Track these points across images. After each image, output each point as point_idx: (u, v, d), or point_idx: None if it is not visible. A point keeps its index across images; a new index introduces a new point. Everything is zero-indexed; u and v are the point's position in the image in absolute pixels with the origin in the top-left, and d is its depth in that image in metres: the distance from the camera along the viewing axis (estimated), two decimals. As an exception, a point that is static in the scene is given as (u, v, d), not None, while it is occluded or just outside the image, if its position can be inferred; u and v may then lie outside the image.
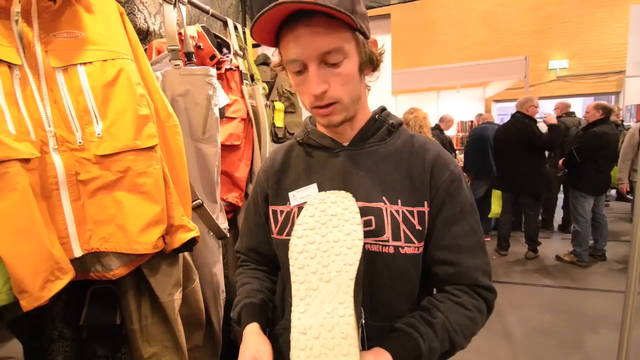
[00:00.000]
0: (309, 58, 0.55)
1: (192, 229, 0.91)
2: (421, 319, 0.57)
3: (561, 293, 2.90)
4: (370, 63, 0.61)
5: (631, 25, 1.38)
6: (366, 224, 0.60)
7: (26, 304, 0.64)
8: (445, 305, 0.59)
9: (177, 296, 0.96)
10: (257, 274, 0.77)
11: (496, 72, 5.28)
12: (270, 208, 0.70)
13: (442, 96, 6.55)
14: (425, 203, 0.61)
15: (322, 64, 0.56)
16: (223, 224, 1.26)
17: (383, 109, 0.69)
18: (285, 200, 0.68)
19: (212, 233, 1.22)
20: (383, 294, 0.60)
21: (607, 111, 3.29)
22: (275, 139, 1.73)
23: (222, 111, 1.26)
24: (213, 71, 1.12)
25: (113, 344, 1.08)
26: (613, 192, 6.14)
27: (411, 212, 0.60)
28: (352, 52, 0.57)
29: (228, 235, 1.27)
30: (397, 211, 0.60)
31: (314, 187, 0.65)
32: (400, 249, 0.59)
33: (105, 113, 0.77)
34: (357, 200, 0.61)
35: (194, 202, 1.08)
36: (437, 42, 7.39)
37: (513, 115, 3.50)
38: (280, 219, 0.68)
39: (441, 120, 4.30)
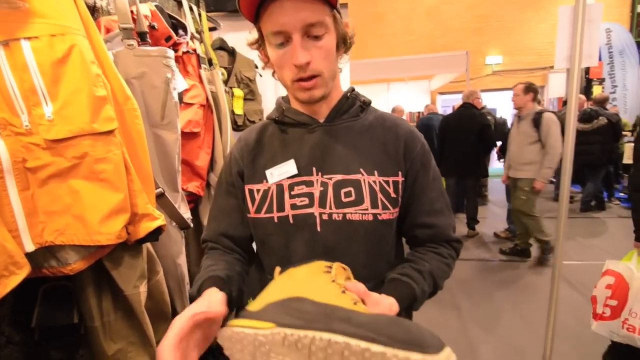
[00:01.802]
0: (294, 28, 0.56)
1: (158, 217, 0.88)
2: (412, 269, 0.64)
3: (499, 266, 3.23)
4: (343, 43, 0.64)
5: (559, 24, 1.56)
6: (346, 195, 0.63)
7: (-25, 304, 0.58)
8: (428, 256, 0.67)
9: (143, 289, 0.92)
10: (226, 257, 0.71)
11: (440, 66, 5.62)
12: (247, 187, 0.70)
13: (392, 88, 6.82)
14: (400, 173, 0.67)
15: (305, 36, 0.57)
16: (185, 213, 1.22)
17: (352, 89, 0.72)
18: (261, 179, 0.68)
19: (174, 223, 1.18)
20: (364, 258, 0.65)
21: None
22: (235, 127, 1.69)
23: (180, 96, 1.21)
24: (171, 53, 1.07)
25: (70, 345, 1.01)
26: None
27: (387, 182, 0.65)
28: (332, 28, 0.60)
29: (191, 225, 1.23)
30: (374, 181, 0.64)
31: (291, 163, 0.66)
32: (378, 215, 0.64)
33: (56, 94, 0.71)
34: (336, 173, 0.64)
35: (155, 191, 1.03)
36: (387, 34, 7.64)
37: (463, 106, 3.76)
38: (258, 197, 0.68)
39: (393, 110, 4.51)
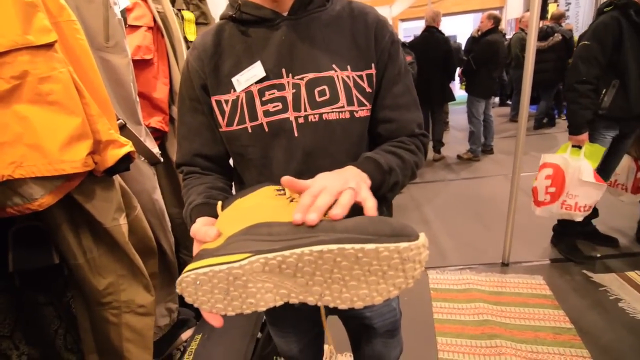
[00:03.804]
0: None
1: (125, 144, 0.82)
2: (368, 153, 0.61)
3: (462, 183, 3.47)
4: None
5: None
6: (320, 94, 0.60)
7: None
8: (390, 143, 0.66)
9: (123, 221, 0.89)
10: (204, 179, 0.68)
11: (400, -12, 5.33)
12: (213, 99, 0.64)
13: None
14: (373, 65, 0.63)
15: None
16: (154, 148, 1.15)
17: None
18: (228, 88, 0.63)
19: (143, 158, 1.11)
20: (344, 159, 0.62)
21: (497, 21, 3.67)
22: (191, 56, 1.55)
23: (124, 17, 1.06)
24: (103, -42, 0.91)
25: (56, 288, 0.99)
26: (497, 99, 7.21)
27: (360, 77, 0.62)
28: None
29: (162, 160, 1.17)
30: (348, 77, 0.61)
31: (258, 65, 0.61)
32: (355, 113, 0.62)
33: (-29, -2, 0.59)
34: (307, 72, 0.61)
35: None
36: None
37: (427, 30, 3.65)
38: (227, 108, 0.63)
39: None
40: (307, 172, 0.61)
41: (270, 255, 0.36)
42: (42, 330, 0.94)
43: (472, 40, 4.63)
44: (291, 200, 0.45)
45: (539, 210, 1.97)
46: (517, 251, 2.11)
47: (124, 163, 0.82)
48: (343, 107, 0.61)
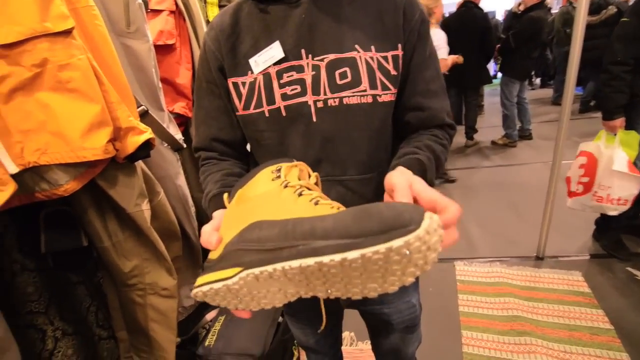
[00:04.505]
0: None
1: (145, 131, 0.82)
2: (407, 148, 0.58)
3: (496, 170, 3.29)
4: None
5: None
6: (341, 76, 0.56)
7: (-33, 222, 0.55)
8: (421, 137, 0.62)
9: (145, 206, 0.91)
10: (223, 165, 0.67)
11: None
12: (230, 81, 0.61)
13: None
14: (399, 46, 0.58)
15: None
16: (177, 134, 1.16)
17: None
18: (245, 70, 0.60)
19: (166, 144, 1.13)
20: (366, 146, 0.60)
21: (542, -6, 3.35)
22: (214, 40, 1.53)
23: (145, 1, 1.05)
24: (122, -60, 0.90)
25: (87, 268, 1.04)
26: (538, 80, 6.71)
27: (385, 58, 0.58)
28: None
29: (184, 145, 1.18)
30: (372, 58, 0.57)
31: (276, 46, 0.57)
32: (378, 97, 0.58)
33: (-10, -14, 0.59)
34: (328, 52, 0.56)
35: (138, 109, 0.95)
36: None
37: (464, 5, 3.39)
38: (244, 91, 0.60)
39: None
40: (325, 159, 0.59)
41: (256, 271, 0.34)
42: (74, 307, 1.00)
43: (512, 16, 4.28)
44: (285, 186, 0.41)
45: (570, 202, 1.83)
46: (553, 244, 1.98)
47: (144, 150, 0.83)
48: (365, 90, 0.57)
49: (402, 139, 0.65)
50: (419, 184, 0.41)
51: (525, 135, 3.91)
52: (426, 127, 0.63)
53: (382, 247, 0.28)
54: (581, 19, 1.56)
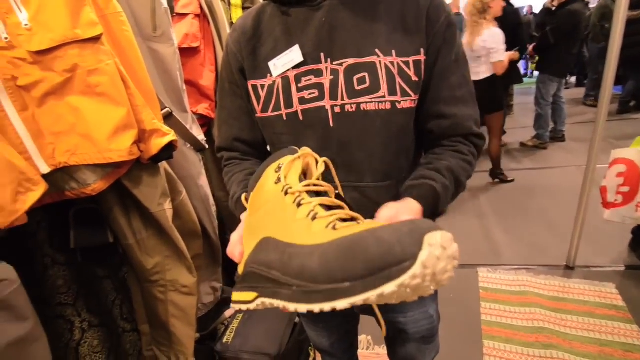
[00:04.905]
0: None
1: (168, 133, 0.84)
2: (426, 169, 0.58)
3: (525, 174, 3.15)
4: None
5: None
6: (360, 82, 0.55)
7: (2, 220, 0.59)
8: (445, 155, 0.60)
9: (168, 206, 0.94)
10: (245, 165, 0.68)
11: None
12: (250, 83, 0.62)
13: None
14: (422, 51, 0.56)
15: None
16: (199, 135, 1.19)
17: None
18: (265, 72, 0.60)
19: (189, 145, 1.15)
20: (382, 153, 0.59)
21: (579, -13, 3.18)
22: (237, 42, 1.55)
23: (171, 5, 1.08)
24: (149, -53, 0.92)
25: (112, 264, 1.08)
26: (573, 79, 6.37)
27: (406, 63, 0.56)
28: None
29: (207, 146, 1.21)
30: (392, 63, 0.55)
31: (296, 49, 0.57)
32: (397, 104, 0.56)
33: (27, -4, 0.63)
34: (347, 57, 0.56)
35: (163, 111, 0.98)
36: None
37: None
38: (263, 94, 0.61)
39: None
40: (341, 164, 0.58)
41: (267, 301, 0.36)
42: (100, 300, 1.04)
43: (545, 12, 4.08)
44: (285, 193, 0.40)
45: (608, 214, 1.70)
46: (585, 254, 1.88)
47: (167, 151, 0.86)
48: (384, 96, 0.56)
49: (426, 147, 0.64)
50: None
51: (558, 137, 3.72)
52: (449, 136, 0.61)
53: (372, 295, 0.26)
54: (621, 13, 1.46)
